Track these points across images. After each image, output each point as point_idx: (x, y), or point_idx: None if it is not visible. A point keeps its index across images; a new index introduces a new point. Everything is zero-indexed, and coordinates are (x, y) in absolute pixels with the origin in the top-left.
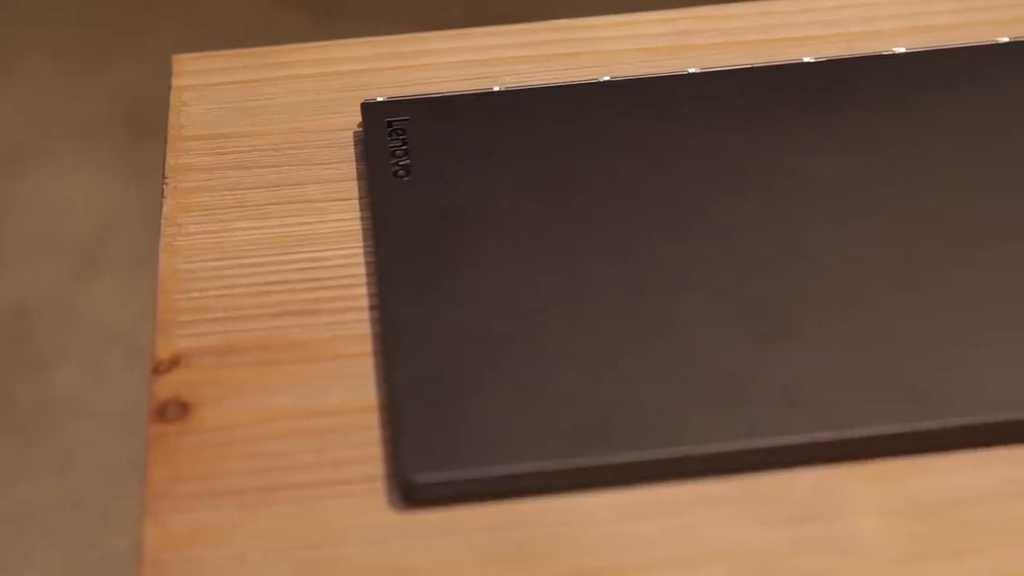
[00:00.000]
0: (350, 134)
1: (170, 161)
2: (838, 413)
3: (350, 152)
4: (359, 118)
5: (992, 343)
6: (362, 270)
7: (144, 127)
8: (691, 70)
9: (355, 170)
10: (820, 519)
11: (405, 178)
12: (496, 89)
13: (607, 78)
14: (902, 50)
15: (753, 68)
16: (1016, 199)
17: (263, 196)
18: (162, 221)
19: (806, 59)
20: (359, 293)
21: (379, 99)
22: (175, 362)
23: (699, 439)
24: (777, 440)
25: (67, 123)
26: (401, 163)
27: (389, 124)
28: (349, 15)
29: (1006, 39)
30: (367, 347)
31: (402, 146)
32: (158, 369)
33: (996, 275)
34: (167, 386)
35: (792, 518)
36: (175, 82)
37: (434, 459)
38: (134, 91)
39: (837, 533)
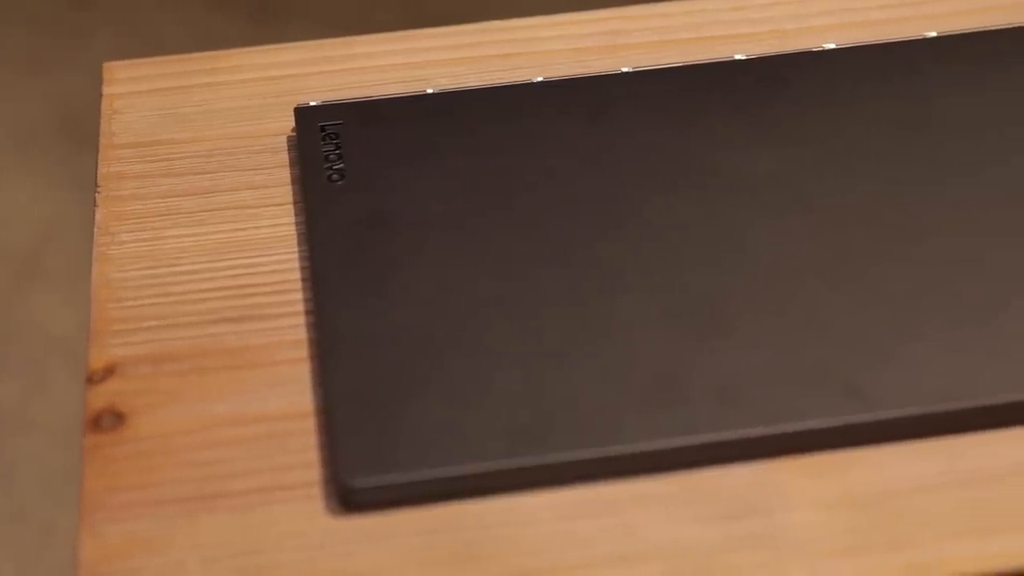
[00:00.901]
0: (284, 139)
1: (102, 169)
2: (772, 408)
3: (284, 157)
4: (292, 123)
5: (924, 336)
6: (297, 275)
7: (82, 135)
8: (624, 69)
9: (289, 175)
10: (756, 514)
11: (339, 182)
12: (429, 91)
13: (540, 79)
14: (832, 46)
15: (685, 66)
16: (946, 192)
17: (197, 203)
18: (95, 230)
19: (738, 56)
20: (295, 298)
21: (312, 103)
22: (109, 371)
23: (635, 437)
24: (713, 436)
25: (5, 132)
26: (335, 167)
27: (322, 128)
28: (286, 19)
29: (934, 33)
30: (303, 352)
31: (336, 150)
32: (92, 379)
33: (927, 268)
34: (101, 396)
35: (729, 514)
36: (106, 90)
37: (371, 463)
38: (72, 99)
39: (773, 527)
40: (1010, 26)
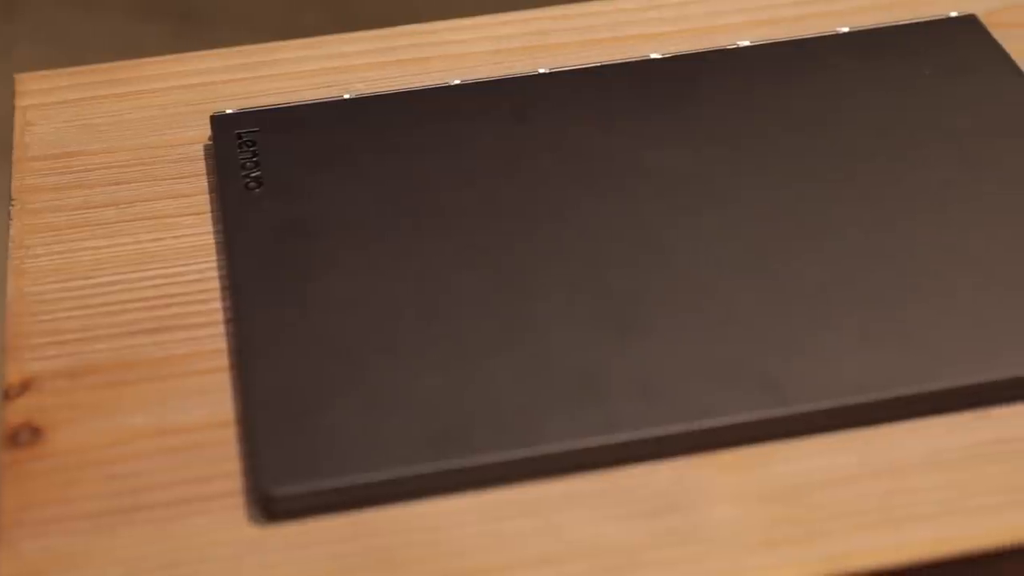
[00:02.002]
0: (201, 147)
1: (16, 182)
2: (692, 404)
3: (201, 166)
4: (209, 131)
5: (838, 329)
6: (216, 284)
7: (3, 148)
8: (541, 70)
9: (207, 184)
10: (679, 510)
11: (256, 190)
12: (347, 97)
13: (457, 81)
14: (746, 43)
15: (602, 66)
16: (859, 186)
17: (113, 214)
18: (9, 244)
19: (653, 56)
20: (214, 308)
21: (228, 111)
22: (26, 386)
23: (557, 437)
24: (634, 434)
25: None
26: (252, 175)
27: (239, 136)
28: (211, 26)
29: (846, 29)
30: (223, 362)
31: (253, 158)
32: (8, 394)
33: (840, 261)
34: (18, 411)
35: (652, 511)
36: (18, 102)
37: (292, 471)
38: None
39: (696, 523)
40: (918, 20)
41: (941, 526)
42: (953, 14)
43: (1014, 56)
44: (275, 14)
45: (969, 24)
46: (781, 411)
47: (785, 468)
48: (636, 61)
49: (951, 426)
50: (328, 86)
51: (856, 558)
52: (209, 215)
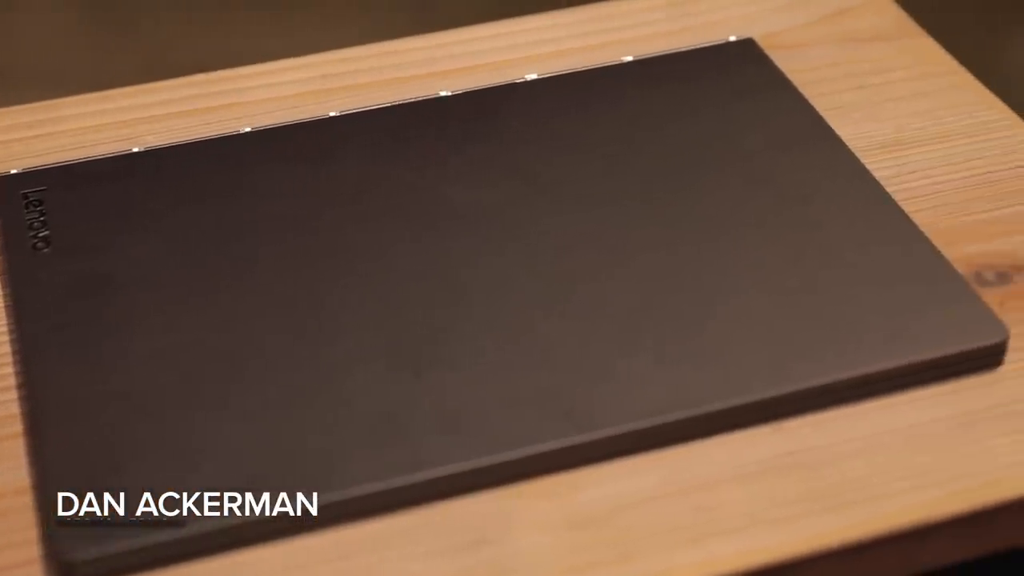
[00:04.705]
0: None
1: None
2: (497, 437)
3: None
4: None
5: (637, 353)
6: (7, 348)
7: None
8: (332, 113)
9: None
10: (489, 542)
11: (45, 250)
12: (135, 150)
13: (248, 129)
14: (534, 76)
15: (394, 106)
16: (651, 212)
17: None
18: None
19: (443, 93)
20: (6, 372)
21: (12, 171)
22: None
23: (363, 479)
24: (440, 471)
25: None
26: (40, 235)
27: (25, 196)
28: (12, 84)
29: (630, 57)
30: (17, 427)
31: (40, 217)
32: None
33: (636, 287)
34: None
35: (462, 545)
36: None
37: (89, 535)
38: None
39: (506, 554)
40: (699, 46)
41: (747, 539)
42: (732, 38)
43: (790, 75)
44: (82, 69)
45: (747, 48)
46: (585, 437)
47: (593, 493)
48: (427, 99)
49: (749, 441)
50: (117, 140)
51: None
52: None
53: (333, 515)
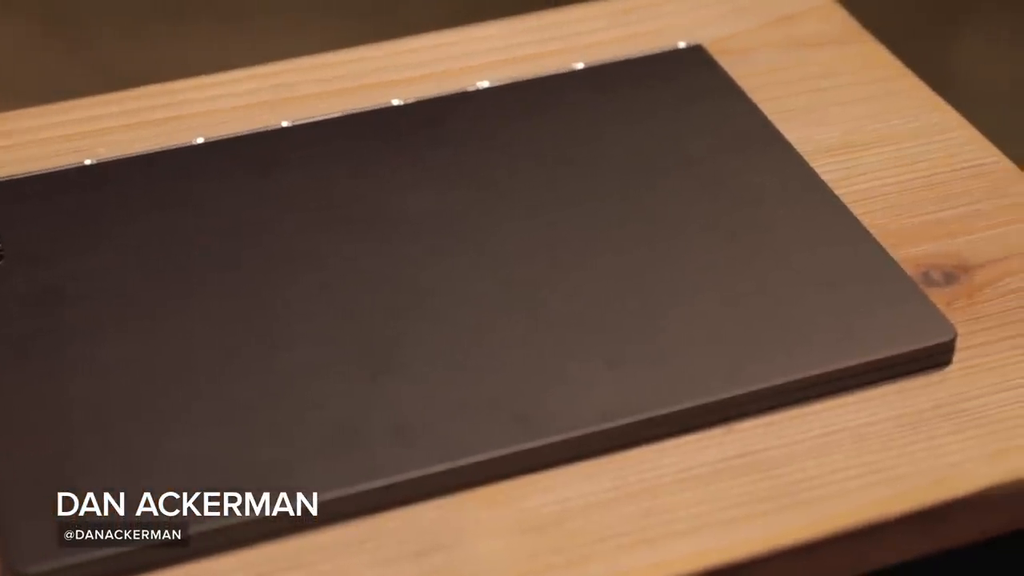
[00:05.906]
0: None
1: None
2: (448, 444)
3: None
4: None
5: (587, 359)
6: None
7: None
8: (284, 123)
9: None
10: (442, 549)
11: None
12: (88, 163)
13: (201, 140)
14: (486, 84)
15: (346, 116)
16: (603, 218)
17: None
18: None
19: (395, 102)
20: None
21: None
22: None
23: (316, 488)
24: (393, 478)
25: None
26: None
27: None
28: None
29: (581, 65)
30: None
31: None
32: None
33: (589, 292)
34: None
35: (415, 552)
36: None
37: (44, 548)
38: None
39: (459, 560)
40: (649, 53)
41: (697, 541)
42: (681, 45)
43: (738, 80)
44: (36, 81)
45: (696, 54)
46: (535, 443)
47: (544, 498)
48: (380, 109)
49: (701, 443)
50: (69, 152)
51: None
52: None
53: (286, 525)
